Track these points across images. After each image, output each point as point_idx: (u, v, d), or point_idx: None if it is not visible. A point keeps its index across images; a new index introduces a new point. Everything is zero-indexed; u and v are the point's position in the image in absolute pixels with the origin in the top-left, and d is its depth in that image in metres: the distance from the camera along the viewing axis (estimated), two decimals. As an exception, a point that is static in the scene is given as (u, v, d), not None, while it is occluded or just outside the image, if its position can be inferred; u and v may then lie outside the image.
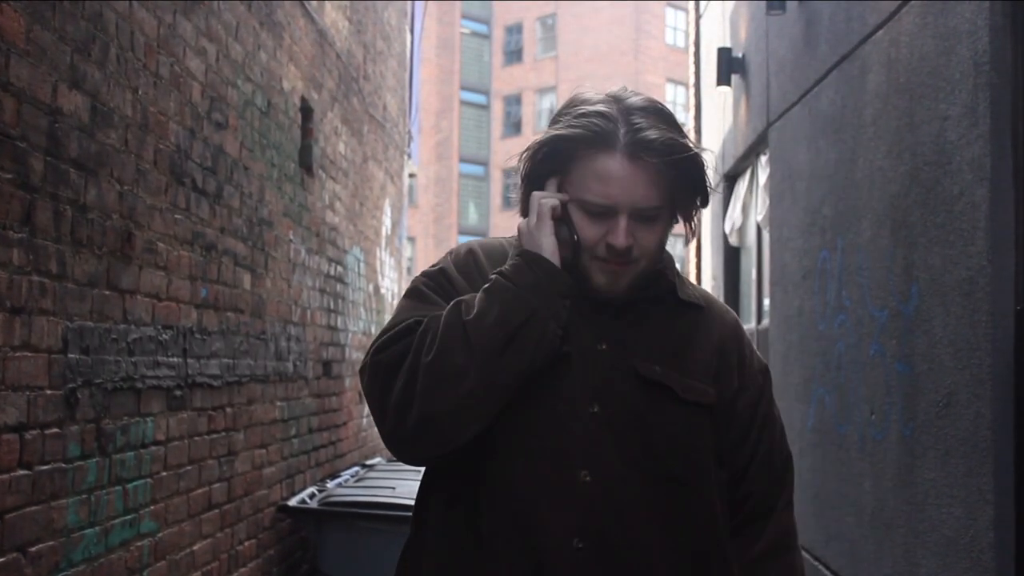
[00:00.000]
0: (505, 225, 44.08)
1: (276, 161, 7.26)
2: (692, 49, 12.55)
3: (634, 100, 2.12)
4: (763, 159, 8.33)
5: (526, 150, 2.20)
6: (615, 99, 2.13)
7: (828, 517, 5.95)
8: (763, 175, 8.24)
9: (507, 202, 42.05)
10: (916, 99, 4.58)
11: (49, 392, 4.04)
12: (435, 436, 2.06)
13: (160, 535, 5.14)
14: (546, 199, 2.15)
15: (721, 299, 10.20)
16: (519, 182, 2.23)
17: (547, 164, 2.16)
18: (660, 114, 2.13)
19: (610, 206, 2.08)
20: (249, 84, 6.62)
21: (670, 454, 2.13)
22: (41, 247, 3.97)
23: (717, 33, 10.75)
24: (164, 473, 5.19)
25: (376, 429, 2.30)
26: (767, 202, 7.97)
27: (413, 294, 2.21)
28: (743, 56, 9.06)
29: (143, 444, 4.92)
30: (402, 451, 2.11)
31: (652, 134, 2.07)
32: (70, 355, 4.20)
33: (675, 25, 47.77)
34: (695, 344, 2.25)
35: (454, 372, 2.02)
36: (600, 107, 2.11)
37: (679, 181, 2.12)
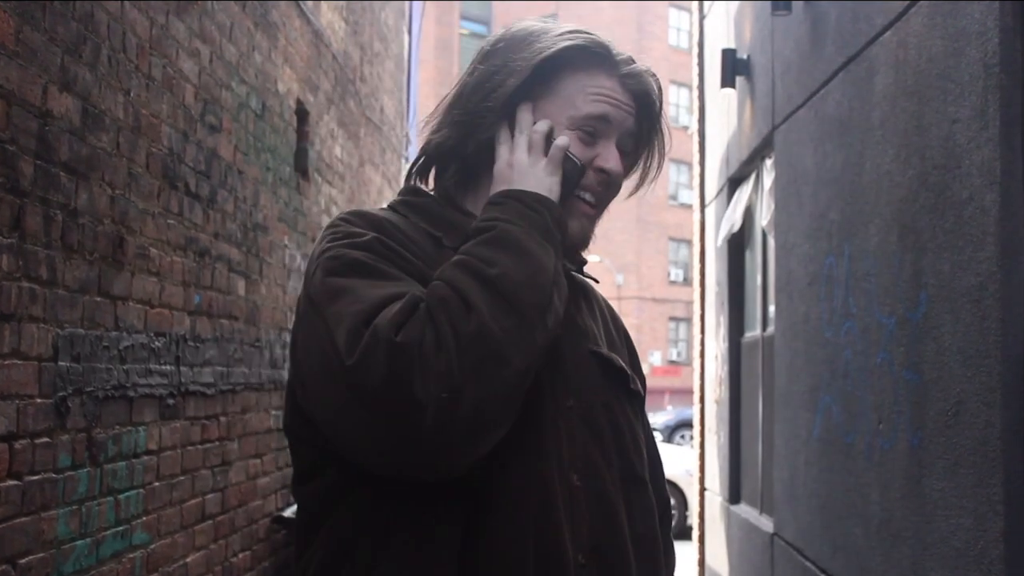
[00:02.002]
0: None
1: (271, 165, 7.26)
2: (696, 50, 12.54)
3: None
4: (768, 163, 8.33)
5: (499, 72, 1.95)
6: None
7: (834, 528, 5.94)
8: (768, 179, 8.23)
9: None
10: (925, 101, 4.58)
11: (39, 400, 4.03)
12: (492, 425, 1.69)
13: (153, 547, 5.13)
14: (543, 129, 1.93)
15: (725, 307, 10.24)
16: (475, 112, 1.96)
17: (523, 88, 1.94)
18: None
19: (607, 125, 1.95)
20: (243, 86, 6.62)
21: (633, 449, 2.01)
22: (31, 252, 3.97)
23: (721, 34, 10.75)
24: (157, 483, 5.19)
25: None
26: (772, 207, 7.97)
27: (357, 270, 1.77)
28: (748, 57, 9.05)
29: (135, 454, 4.92)
30: (446, 456, 1.67)
31: (641, 69, 2.00)
32: (60, 363, 4.20)
33: (678, 25, 47.85)
34: (608, 327, 2.16)
35: (508, 340, 1.68)
36: (585, 31, 2.02)
37: (645, 126, 2.04)
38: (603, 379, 2.00)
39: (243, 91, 6.61)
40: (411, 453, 1.65)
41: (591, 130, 1.95)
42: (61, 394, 4.20)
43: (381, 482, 1.75)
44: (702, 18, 12.44)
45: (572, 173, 1.92)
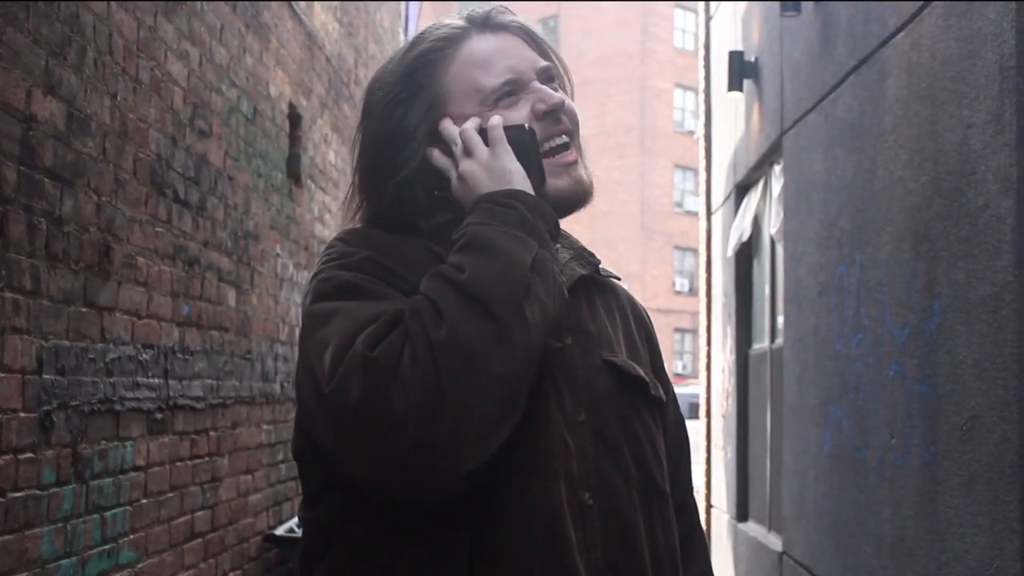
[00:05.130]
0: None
1: (262, 171, 7.27)
2: (702, 52, 12.56)
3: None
4: (777, 169, 8.34)
5: (386, 107, 1.94)
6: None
7: (846, 547, 5.94)
8: (777, 185, 8.24)
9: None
10: (938, 105, 4.58)
11: (23, 415, 4.03)
12: (476, 436, 1.65)
13: (140, 566, 5.13)
14: (472, 126, 1.90)
15: (732, 318, 10.25)
16: (396, 164, 1.92)
17: (419, 110, 1.92)
18: None
19: (516, 78, 1.93)
20: (234, 89, 6.63)
21: (653, 461, 1.97)
22: (14, 262, 3.97)
23: (728, 36, 10.77)
24: (144, 500, 5.18)
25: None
26: (781, 214, 7.97)
27: (348, 292, 1.79)
28: (756, 60, 9.07)
29: (122, 470, 4.92)
30: (433, 475, 1.66)
31: (496, 8, 1.99)
32: (45, 376, 4.19)
33: (684, 27, 47.86)
34: (629, 329, 2.10)
35: (482, 342, 1.66)
36: (435, 26, 1.99)
37: (540, 48, 2.02)
38: (619, 389, 1.95)
39: (234, 95, 6.62)
40: (399, 470, 1.65)
41: (509, 92, 1.93)
42: (45, 408, 4.20)
43: (388, 506, 1.75)
44: (708, 19, 12.46)
45: (527, 140, 1.89)
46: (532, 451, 1.79)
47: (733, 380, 10.27)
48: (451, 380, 1.63)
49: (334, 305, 1.77)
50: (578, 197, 1.97)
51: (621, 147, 46.63)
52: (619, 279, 2.17)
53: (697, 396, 13.61)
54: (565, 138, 1.96)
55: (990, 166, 4.05)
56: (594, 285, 2.07)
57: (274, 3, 7.62)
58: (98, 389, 4.64)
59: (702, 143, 12.35)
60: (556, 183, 1.93)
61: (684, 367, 50.16)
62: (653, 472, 1.96)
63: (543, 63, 1.98)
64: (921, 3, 4.82)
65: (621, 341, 2.05)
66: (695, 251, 42.23)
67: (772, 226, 8.41)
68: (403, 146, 1.91)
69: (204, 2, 6.07)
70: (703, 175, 12.29)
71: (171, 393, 5.50)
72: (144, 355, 5.15)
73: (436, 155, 1.91)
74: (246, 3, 6.89)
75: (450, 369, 1.64)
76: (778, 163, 8.29)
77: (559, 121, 1.94)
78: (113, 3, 4.83)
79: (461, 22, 1.97)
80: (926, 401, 4.68)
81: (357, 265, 1.82)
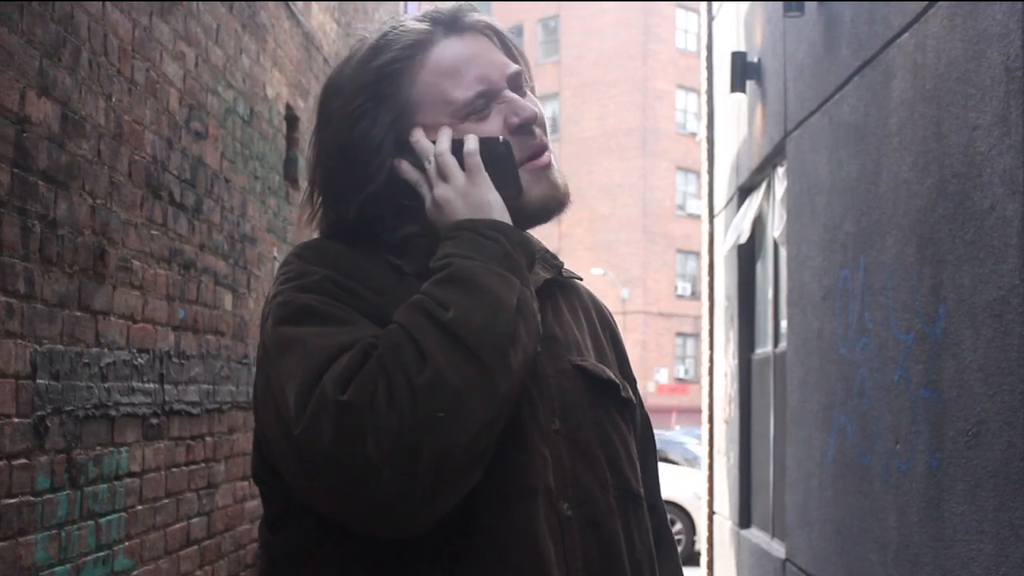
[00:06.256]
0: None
1: (259, 173, 7.27)
2: (704, 53, 12.56)
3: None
4: (780, 171, 8.34)
5: (347, 120, 1.87)
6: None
7: (850, 554, 5.94)
8: (780, 188, 8.24)
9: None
10: (944, 107, 4.58)
11: (16, 420, 4.03)
12: (454, 481, 1.64)
13: (135, 573, 5.13)
14: (445, 147, 1.83)
15: (735, 322, 10.24)
16: (360, 177, 1.86)
17: (385, 120, 1.85)
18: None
19: (487, 89, 1.87)
20: (230, 91, 6.63)
21: (628, 465, 1.95)
22: (8, 265, 3.97)
23: (731, 36, 10.77)
24: (139, 507, 5.18)
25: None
26: (784, 217, 7.97)
27: (308, 316, 1.74)
28: (759, 61, 9.07)
29: (117, 476, 4.92)
30: (407, 517, 1.64)
31: (461, 8, 1.92)
32: (39, 380, 4.20)
33: (686, 28, 47.91)
34: (595, 330, 2.07)
35: (467, 389, 1.62)
36: (399, 25, 1.91)
37: (510, 50, 1.97)
38: (590, 394, 1.92)
39: (230, 96, 6.62)
40: (373, 513, 1.63)
41: (482, 104, 1.87)
42: (40, 413, 4.20)
43: (359, 535, 1.71)
44: (711, 20, 12.47)
45: (503, 153, 1.84)
46: (509, 470, 1.77)
47: (736, 385, 10.26)
48: (431, 427, 1.60)
49: (295, 332, 1.72)
50: (556, 203, 1.93)
51: (622, 149, 46.66)
52: (581, 279, 2.13)
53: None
54: (538, 148, 1.90)
55: (996, 168, 4.05)
56: (558, 287, 2.03)
57: (271, 3, 7.62)
58: (93, 394, 4.64)
59: (704, 145, 12.35)
60: (534, 190, 1.89)
61: (686, 372, 50.17)
62: (628, 477, 1.94)
63: (513, 68, 1.92)
64: (926, 3, 4.82)
65: (588, 343, 2.02)
66: (697, 254, 42.24)
67: (775, 229, 8.41)
68: (369, 158, 1.84)
69: (200, 2, 6.07)
70: (705, 177, 12.28)
71: (167, 398, 5.50)
72: (139, 359, 5.15)
73: (406, 167, 1.85)
74: (243, 3, 6.89)
75: (431, 415, 1.60)
76: (781, 165, 8.28)
77: (533, 134, 1.89)
78: (108, 3, 4.83)
79: (426, 25, 1.90)
80: (931, 406, 4.68)
81: (316, 287, 1.77)
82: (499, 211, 1.81)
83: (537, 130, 1.90)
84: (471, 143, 1.83)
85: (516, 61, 1.96)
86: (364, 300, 1.78)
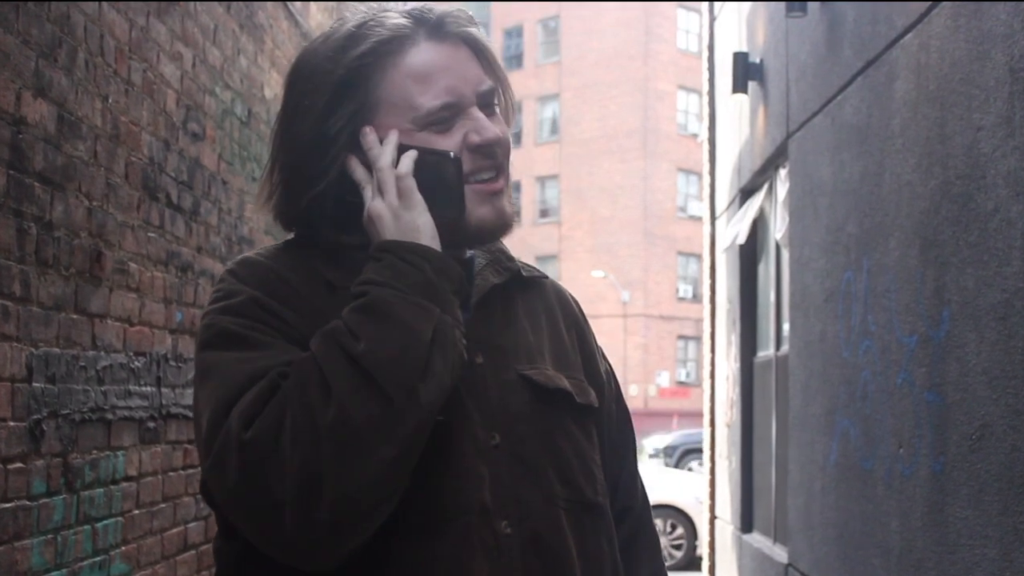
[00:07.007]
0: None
1: (257, 175, 7.27)
2: (706, 54, 12.57)
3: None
4: (782, 172, 8.34)
5: (298, 116, 1.84)
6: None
7: (853, 559, 5.93)
8: (782, 190, 8.24)
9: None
10: (947, 108, 4.58)
11: (12, 424, 4.03)
12: (359, 519, 1.64)
13: (131, 579, 5.13)
14: (388, 162, 1.79)
15: (737, 325, 10.24)
16: (311, 168, 1.83)
17: (345, 113, 1.82)
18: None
19: (454, 102, 1.82)
20: (228, 92, 6.63)
21: (582, 475, 1.91)
22: (4, 267, 3.97)
23: (733, 36, 10.77)
24: (136, 511, 5.18)
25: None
26: (786, 219, 7.98)
27: (228, 341, 1.74)
28: (761, 61, 9.07)
29: (114, 480, 4.91)
30: (315, 553, 1.65)
31: (451, 14, 1.88)
32: (35, 384, 4.19)
33: (687, 28, 47.93)
34: (557, 331, 2.03)
35: (370, 427, 1.61)
36: (380, 18, 1.86)
37: (490, 67, 1.92)
38: (539, 404, 1.89)
39: (228, 97, 6.62)
40: (281, 550, 1.65)
41: (446, 116, 1.83)
42: (35, 417, 4.19)
43: None
44: (712, 20, 12.47)
45: (450, 170, 1.80)
46: (438, 491, 1.76)
47: (737, 388, 10.27)
48: (334, 467, 1.60)
49: (213, 358, 1.74)
50: (497, 227, 1.88)
51: (623, 150, 46.67)
52: (545, 277, 2.08)
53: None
54: (494, 172, 1.87)
55: (1000, 170, 4.05)
56: (518, 288, 2.00)
57: (269, 3, 7.62)
58: (89, 397, 4.64)
59: (706, 146, 12.35)
60: (477, 211, 1.84)
61: (688, 375, 50.18)
62: (582, 487, 1.91)
63: (486, 85, 1.87)
64: (930, 3, 4.82)
65: (546, 347, 1.98)
66: (699, 257, 42.25)
67: (777, 231, 8.41)
68: (324, 151, 1.82)
69: (197, 2, 6.07)
70: (707, 179, 12.29)
71: (164, 401, 5.49)
72: (136, 363, 5.14)
73: (354, 164, 1.83)
74: (240, 3, 6.89)
75: (333, 456, 1.60)
76: (784, 167, 8.28)
77: (491, 156, 1.85)
78: (104, 3, 4.83)
79: (408, 22, 1.85)
80: (935, 410, 4.68)
81: (239, 309, 1.77)
82: (427, 236, 1.77)
83: (498, 151, 1.86)
84: (405, 164, 1.80)
85: (494, 78, 1.91)
86: (286, 323, 1.77)
